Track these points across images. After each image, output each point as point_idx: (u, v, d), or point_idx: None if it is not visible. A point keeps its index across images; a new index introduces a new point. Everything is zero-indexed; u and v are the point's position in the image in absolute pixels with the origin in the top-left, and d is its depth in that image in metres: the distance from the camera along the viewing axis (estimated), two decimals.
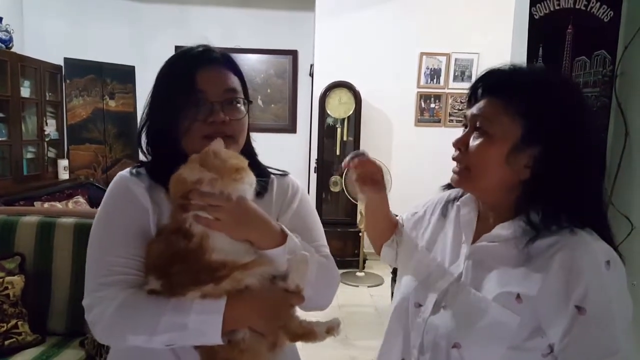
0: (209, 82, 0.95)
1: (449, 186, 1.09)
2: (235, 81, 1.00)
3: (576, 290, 0.79)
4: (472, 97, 0.95)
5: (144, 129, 1.01)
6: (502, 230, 0.91)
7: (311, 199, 1.14)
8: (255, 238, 0.87)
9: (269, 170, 1.11)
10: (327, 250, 1.06)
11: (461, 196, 1.06)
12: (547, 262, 0.83)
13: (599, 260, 0.81)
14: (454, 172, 0.95)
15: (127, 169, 1.00)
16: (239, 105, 0.99)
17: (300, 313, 0.94)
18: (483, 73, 0.95)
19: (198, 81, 0.95)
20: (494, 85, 0.91)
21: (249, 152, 1.06)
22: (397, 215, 1.22)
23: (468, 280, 0.92)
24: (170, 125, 0.95)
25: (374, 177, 1.10)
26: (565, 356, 0.81)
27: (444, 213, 1.08)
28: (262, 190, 1.02)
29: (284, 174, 1.13)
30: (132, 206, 0.93)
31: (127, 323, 0.84)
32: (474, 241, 0.97)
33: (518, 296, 0.84)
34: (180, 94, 0.94)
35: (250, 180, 0.86)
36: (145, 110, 1.01)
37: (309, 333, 0.90)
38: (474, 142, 0.90)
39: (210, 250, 0.82)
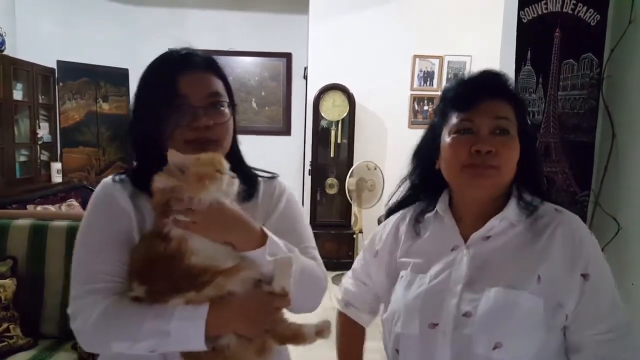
0: (191, 86, 0.94)
1: (389, 212, 1.14)
2: (218, 85, 0.98)
3: (581, 260, 0.89)
4: (468, 102, 0.94)
5: (129, 135, 1.00)
6: (495, 221, 0.95)
7: (305, 201, 1.13)
8: (235, 240, 0.85)
9: (257, 173, 1.10)
10: (314, 252, 1.05)
11: (422, 211, 1.06)
12: (552, 238, 0.91)
13: (586, 230, 0.93)
14: (479, 172, 0.92)
15: (111, 176, 1.00)
16: (222, 108, 0.98)
17: (290, 315, 0.92)
18: (476, 77, 0.98)
19: (180, 86, 0.93)
20: (501, 88, 0.97)
21: (235, 155, 1.05)
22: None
23: (483, 282, 0.91)
24: (153, 131, 0.94)
25: None
26: (578, 322, 0.89)
27: (417, 231, 1.06)
28: (247, 193, 1.01)
29: (272, 177, 1.11)
30: (115, 213, 0.93)
31: (109, 330, 0.85)
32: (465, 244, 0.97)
33: (538, 277, 0.89)
34: (162, 99, 0.93)
35: (221, 185, 0.84)
36: (130, 116, 1.00)
37: (298, 335, 0.89)
38: (500, 142, 0.92)
39: (189, 253, 0.82)
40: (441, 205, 1.03)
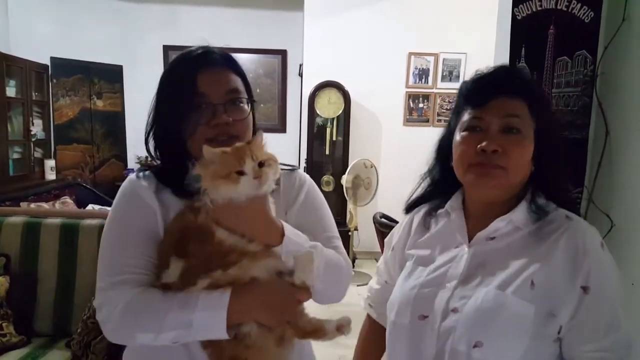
0: (210, 84, 0.95)
1: (408, 208, 1.13)
2: (237, 81, 1.00)
3: (582, 271, 0.84)
4: (480, 99, 0.93)
5: (151, 133, 1.01)
6: (501, 222, 0.93)
7: (322, 195, 1.14)
8: (254, 236, 0.87)
9: (280, 167, 1.12)
10: (338, 241, 1.07)
11: (436, 207, 1.06)
12: (554, 246, 0.87)
13: (596, 242, 0.87)
14: (485, 171, 0.90)
15: (135, 173, 1.02)
16: (242, 105, 0.99)
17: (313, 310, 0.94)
18: (489, 74, 0.95)
19: (199, 84, 0.95)
20: (515, 85, 0.93)
21: None
22: (382, 218, 1.23)
23: (477, 280, 0.91)
24: (175, 129, 0.96)
25: None
26: (573, 336, 0.85)
27: (426, 225, 1.07)
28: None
29: (293, 169, 1.13)
30: (140, 208, 0.95)
31: (134, 322, 0.86)
32: (469, 242, 0.97)
33: (532, 282, 0.86)
34: (182, 98, 0.95)
35: (237, 186, 0.83)
36: (151, 115, 1.01)
37: (318, 330, 0.90)
38: (509, 141, 0.89)
39: (215, 226, 0.85)
40: (452, 203, 1.03)
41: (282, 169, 1.09)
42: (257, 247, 0.87)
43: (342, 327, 0.91)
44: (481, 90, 0.93)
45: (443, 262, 0.97)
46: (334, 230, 1.08)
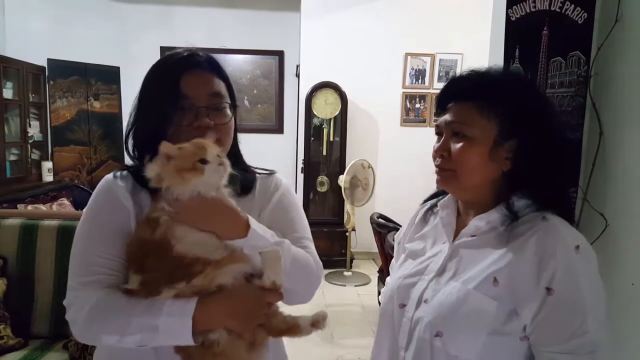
0: (193, 86, 0.96)
1: (431, 197, 1.16)
2: (220, 85, 1.01)
3: (546, 272, 0.85)
4: (441, 106, 1.00)
5: (130, 133, 1.02)
6: (480, 221, 0.96)
7: (298, 199, 1.15)
8: (217, 228, 0.86)
9: (256, 170, 1.13)
10: (308, 242, 1.07)
11: (437, 203, 1.11)
12: (522, 245, 0.89)
13: (568, 244, 0.86)
14: (439, 175, 0.99)
15: (112, 172, 1.02)
16: (224, 109, 1.00)
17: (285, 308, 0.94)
18: (448, 83, 1.01)
19: (183, 86, 0.95)
20: (463, 91, 0.96)
21: (235, 154, 1.08)
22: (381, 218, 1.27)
23: (449, 275, 0.96)
24: (156, 130, 0.96)
25: None
26: (536, 336, 0.87)
27: (426, 220, 1.13)
28: (244, 189, 1.04)
29: (270, 173, 1.14)
30: (114, 208, 0.95)
31: (99, 323, 0.87)
32: (454, 239, 1.01)
33: (495, 279, 0.89)
34: (165, 99, 0.95)
35: (202, 176, 0.83)
36: (132, 115, 1.02)
37: (293, 327, 0.90)
38: (455, 146, 0.94)
39: (173, 240, 0.83)
40: (444, 200, 1.08)
41: (259, 173, 1.12)
42: (221, 254, 0.85)
43: (317, 322, 0.91)
44: (439, 99, 1.00)
45: (429, 257, 1.03)
46: (305, 232, 1.09)
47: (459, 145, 0.94)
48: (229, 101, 1.02)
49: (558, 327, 0.84)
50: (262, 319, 0.89)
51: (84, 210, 0.99)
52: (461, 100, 0.95)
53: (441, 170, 0.97)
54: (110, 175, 1.01)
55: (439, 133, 1.00)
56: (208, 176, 0.84)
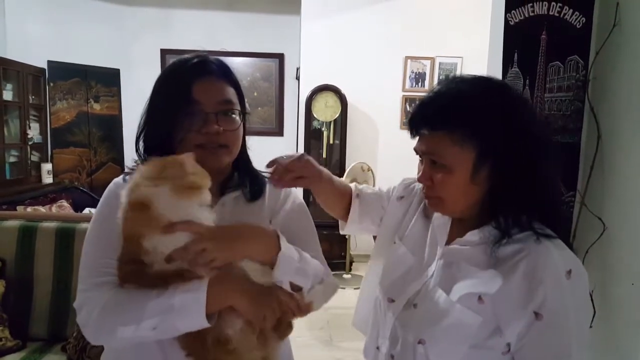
0: (204, 92, 0.97)
1: None
2: (230, 92, 1.02)
3: (536, 297, 0.83)
4: (413, 131, 0.96)
5: (141, 136, 1.03)
6: (473, 236, 0.95)
7: (305, 205, 1.17)
8: (250, 252, 0.90)
9: (265, 175, 1.13)
10: (322, 256, 1.10)
11: None
12: (512, 267, 0.87)
13: (559, 269, 0.84)
14: (428, 201, 0.99)
15: (122, 175, 1.04)
16: (234, 116, 1.02)
17: None
18: (415, 108, 0.96)
19: (194, 92, 0.97)
20: (432, 119, 0.91)
21: (244, 160, 1.10)
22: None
23: (438, 281, 0.96)
24: (166, 134, 0.97)
25: (301, 175, 1.08)
26: (520, 356, 0.87)
27: (427, 214, 1.10)
28: (254, 194, 1.07)
29: None
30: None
31: (115, 316, 0.87)
32: (448, 243, 1.00)
33: (480, 297, 0.88)
34: (176, 104, 0.96)
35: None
36: (143, 118, 1.03)
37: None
38: (436, 175, 0.92)
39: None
40: None
41: (268, 179, 1.11)
42: (268, 280, 0.89)
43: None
44: (410, 124, 0.97)
45: (427, 258, 1.02)
46: (317, 243, 1.13)
47: (439, 175, 0.91)
48: (239, 108, 1.03)
49: (543, 349, 0.84)
50: (273, 312, 0.88)
51: (94, 213, 1.01)
52: (431, 128, 0.91)
53: (428, 197, 0.97)
54: (119, 179, 1.03)
55: (419, 155, 0.98)
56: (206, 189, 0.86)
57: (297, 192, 1.16)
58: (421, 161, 0.98)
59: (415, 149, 0.97)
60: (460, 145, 0.88)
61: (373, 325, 1.09)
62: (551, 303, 0.83)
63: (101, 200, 1.01)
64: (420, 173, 0.96)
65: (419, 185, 1.11)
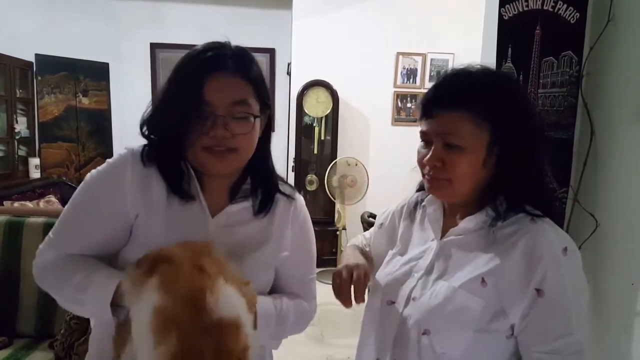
0: (216, 92, 0.91)
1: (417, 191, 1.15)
2: (245, 91, 0.95)
3: (536, 274, 0.86)
4: (425, 113, 0.95)
5: (147, 121, 0.99)
6: (469, 223, 0.96)
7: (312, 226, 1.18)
8: None
9: (280, 188, 1.08)
10: (313, 285, 1.15)
11: (423, 198, 1.10)
12: (511, 247, 0.90)
13: (556, 247, 0.88)
14: (432, 184, 0.96)
15: (140, 147, 0.99)
16: (246, 118, 0.94)
17: None
18: (433, 88, 0.96)
19: (206, 91, 0.91)
20: (450, 98, 0.92)
21: (261, 164, 1.05)
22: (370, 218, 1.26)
23: (437, 273, 0.97)
24: (173, 131, 0.94)
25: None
26: (524, 336, 0.88)
27: (411, 218, 1.13)
28: (264, 209, 1.03)
29: (292, 195, 1.10)
30: (114, 195, 0.95)
31: (45, 281, 0.98)
32: (442, 237, 1.01)
33: (483, 280, 0.89)
34: (186, 104, 0.91)
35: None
36: (153, 105, 0.98)
37: None
38: (449, 157, 0.91)
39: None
40: (431, 197, 1.06)
41: (281, 193, 1.08)
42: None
43: None
44: (425, 106, 0.95)
45: (417, 253, 1.03)
46: (314, 270, 1.16)
47: (454, 156, 0.91)
48: (255, 108, 0.96)
49: (546, 327, 0.86)
50: None
51: (94, 171, 0.99)
52: (448, 107, 0.91)
53: (434, 179, 0.95)
54: (137, 151, 0.98)
55: (426, 140, 0.96)
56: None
57: (305, 209, 1.14)
58: (422, 146, 0.97)
59: (423, 132, 0.96)
60: (477, 125, 0.90)
61: (369, 335, 1.08)
62: (551, 279, 0.85)
63: (104, 168, 0.98)
64: (430, 154, 0.93)
65: (394, 208, 1.18)
